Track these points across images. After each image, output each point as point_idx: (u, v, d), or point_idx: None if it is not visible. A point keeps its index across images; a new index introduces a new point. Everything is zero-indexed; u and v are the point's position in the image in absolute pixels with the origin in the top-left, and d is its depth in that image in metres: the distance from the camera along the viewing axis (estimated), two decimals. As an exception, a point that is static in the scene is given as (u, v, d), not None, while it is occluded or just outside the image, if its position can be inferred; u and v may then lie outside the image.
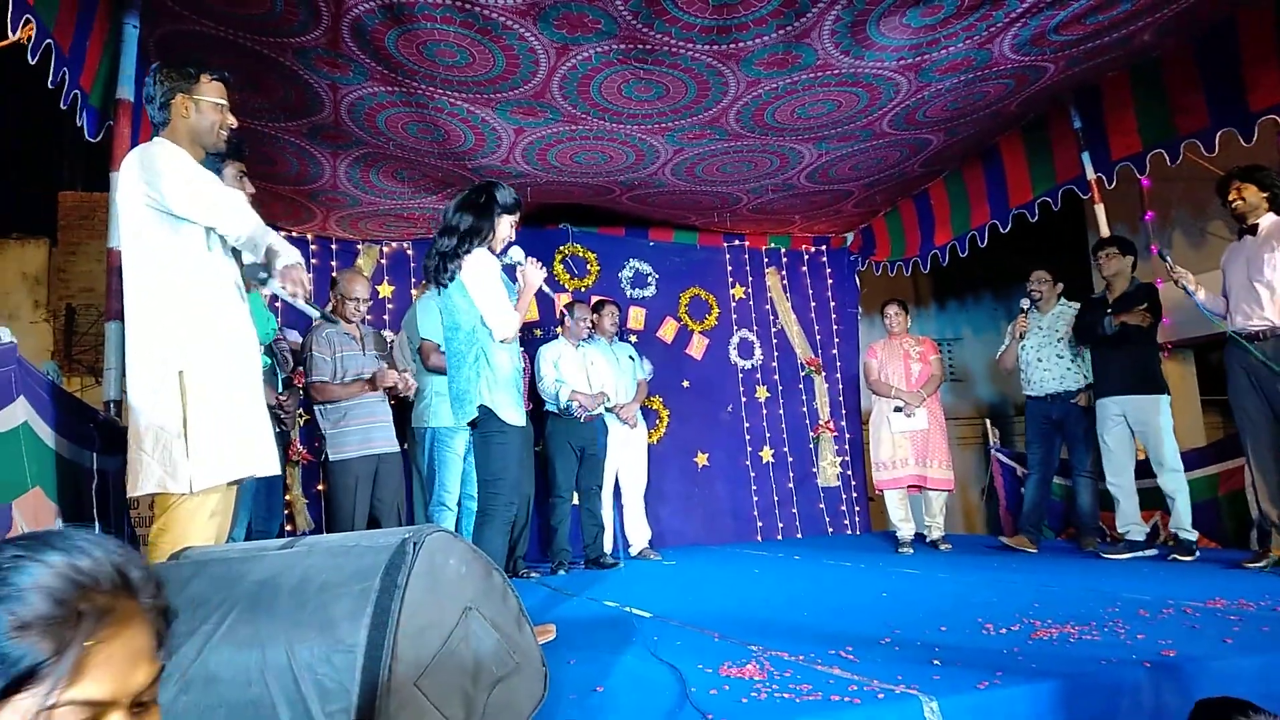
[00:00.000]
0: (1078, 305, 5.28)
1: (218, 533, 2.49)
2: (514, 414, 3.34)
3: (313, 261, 6.36)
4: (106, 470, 2.79)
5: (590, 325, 5.72)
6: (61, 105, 3.40)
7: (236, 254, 2.65)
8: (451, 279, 3.32)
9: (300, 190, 5.62)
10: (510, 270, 3.52)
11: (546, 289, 3.62)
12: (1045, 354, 5.23)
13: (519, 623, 1.99)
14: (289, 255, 2.59)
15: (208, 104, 2.58)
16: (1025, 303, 5.34)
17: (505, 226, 3.43)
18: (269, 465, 2.60)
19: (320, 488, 5.81)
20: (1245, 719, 1.32)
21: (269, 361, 3.83)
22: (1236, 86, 4.51)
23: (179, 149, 2.50)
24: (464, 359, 3.34)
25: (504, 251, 3.49)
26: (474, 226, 3.34)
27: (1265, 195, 4.11)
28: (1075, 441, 5.20)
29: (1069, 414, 5.17)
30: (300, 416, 5.27)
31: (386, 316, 6.40)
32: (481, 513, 3.26)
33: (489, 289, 3.30)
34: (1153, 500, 4.86)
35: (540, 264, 3.51)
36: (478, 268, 3.31)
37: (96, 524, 2.62)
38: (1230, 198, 4.19)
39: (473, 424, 3.36)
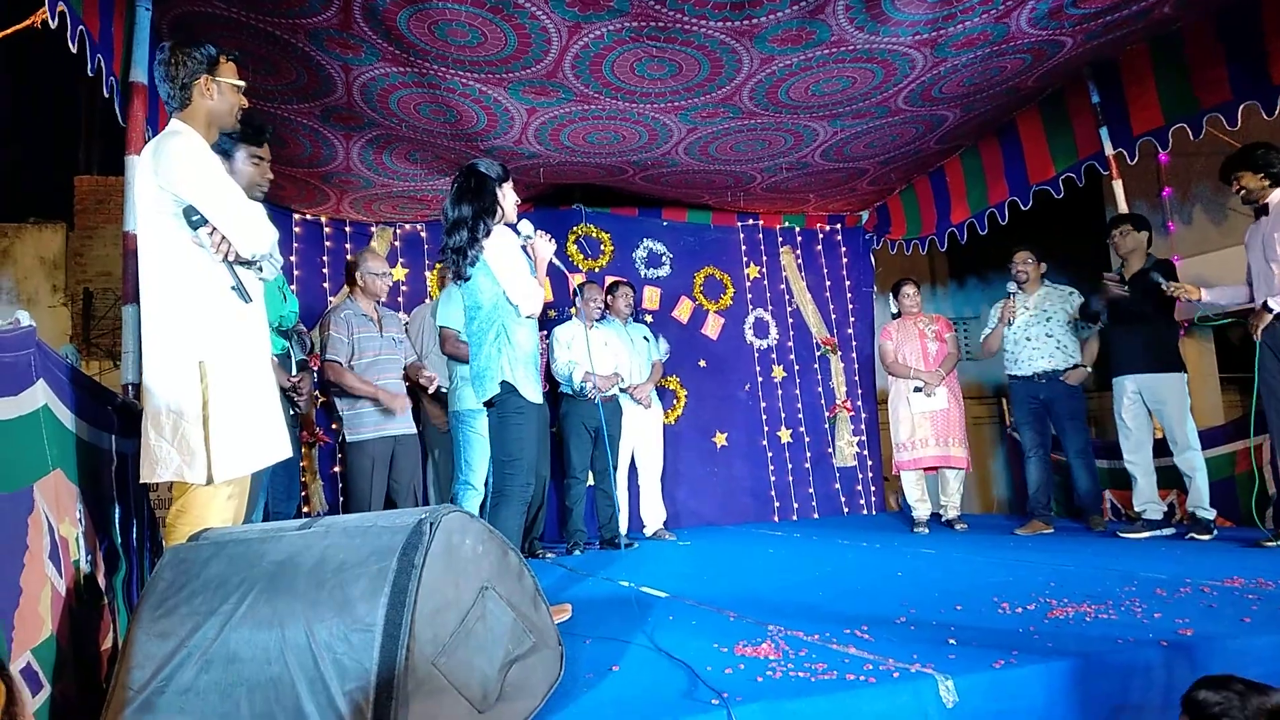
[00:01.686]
0: (1066, 288, 5.26)
1: (235, 514, 2.51)
2: (534, 391, 3.35)
3: (327, 244, 6.38)
4: (125, 453, 2.81)
5: (604, 306, 5.72)
6: (104, 94, 3.43)
7: None
8: (473, 265, 3.32)
9: (314, 173, 5.63)
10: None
11: (558, 263, 3.63)
12: (1034, 332, 5.21)
13: (535, 602, 2.00)
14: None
15: (228, 86, 2.61)
16: (1012, 285, 5.32)
17: (509, 196, 3.43)
18: (283, 449, 2.62)
19: (336, 469, 5.85)
20: (1239, 693, 1.32)
21: (284, 344, 3.84)
22: (1260, 59, 4.43)
23: (202, 141, 2.51)
24: (484, 336, 3.34)
25: (514, 226, 3.49)
26: (481, 209, 3.33)
27: (1261, 175, 4.05)
28: (1064, 420, 5.18)
29: (1056, 393, 5.16)
30: (317, 398, 5.30)
31: (401, 299, 6.42)
32: (498, 492, 3.26)
33: (513, 264, 3.31)
34: (1169, 479, 4.83)
35: (550, 236, 3.52)
36: (499, 245, 3.32)
37: (116, 506, 2.64)
38: (1234, 189, 4.16)
39: (489, 403, 3.36)
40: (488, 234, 3.31)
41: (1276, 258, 3.96)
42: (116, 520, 2.63)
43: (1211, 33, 4.59)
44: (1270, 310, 3.93)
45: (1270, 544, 3.98)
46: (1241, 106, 4.58)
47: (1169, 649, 2.19)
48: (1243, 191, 4.13)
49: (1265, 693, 1.30)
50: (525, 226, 3.50)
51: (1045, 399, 5.22)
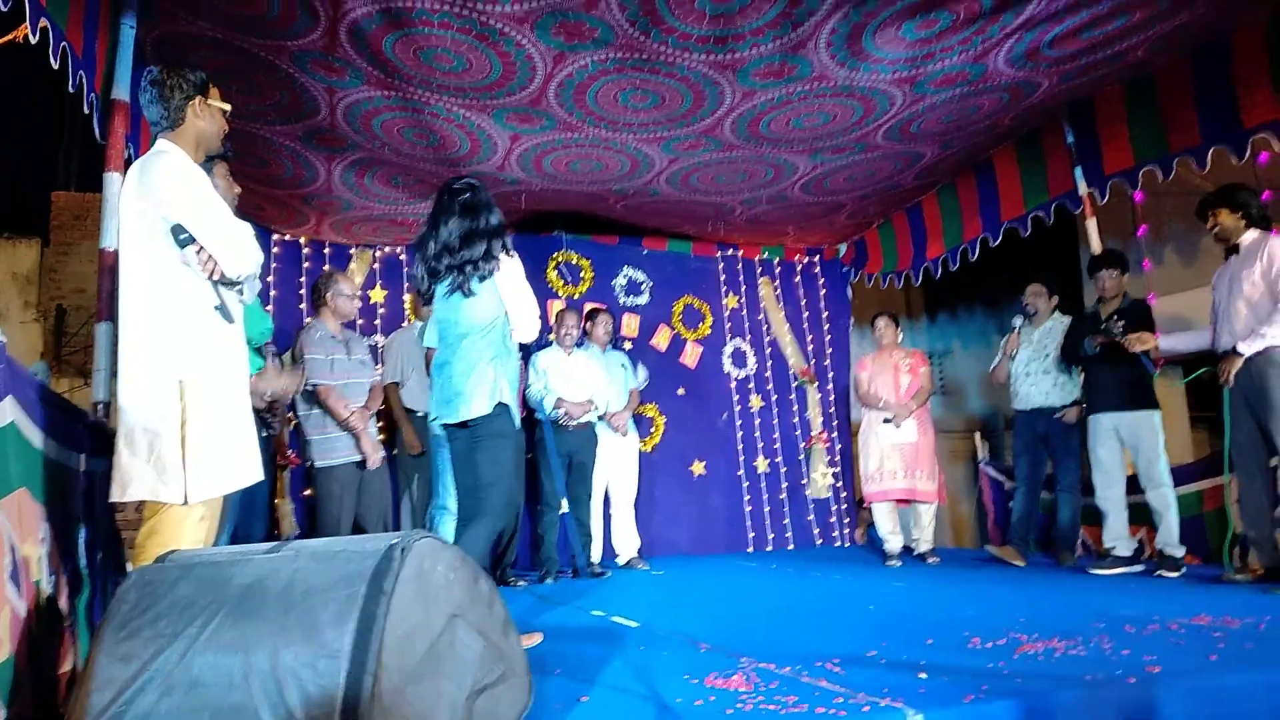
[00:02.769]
0: (1070, 319, 5.29)
1: (206, 536, 2.48)
2: (517, 416, 3.35)
3: (305, 265, 6.36)
4: (95, 472, 2.78)
5: (584, 332, 5.72)
6: (85, 110, 3.42)
7: None
8: (484, 279, 3.28)
9: (294, 193, 5.62)
10: None
11: None
12: (1033, 368, 5.26)
13: (505, 630, 1.98)
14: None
15: (218, 110, 2.66)
16: (1018, 320, 5.36)
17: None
18: (256, 473, 2.60)
19: (308, 492, 5.79)
20: None
21: (262, 362, 3.81)
22: (1230, 104, 4.53)
23: (190, 161, 2.52)
24: (479, 355, 3.28)
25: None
26: (500, 223, 3.37)
27: (1239, 215, 4.13)
28: (1060, 456, 5.22)
29: (1053, 429, 5.20)
30: (290, 419, 5.25)
31: (378, 321, 6.40)
32: (476, 516, 3.18)
33: (523, 288, 3.35)
34: (1139, 516, 4.87)
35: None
36: (516, 271, 3.35)
37: (83, 526, 2.60)
38: (1209, 225, 4.21)
39: (463, 425, 3.28)
40: (506, 250, 3.33)
41: (1244, 294, 4.02)
42: (82, 541, 2.59)
43: (1184, 77, 4.69)
44: (1239, 354, 3.98)
45: (1236, 577, 4.02)
46: (1211, 150, 4.67)
47: (1137, 686, 2.19)
48: (1217, 228, 4.18)
49: None
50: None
51: (1043, 433, 5.26)
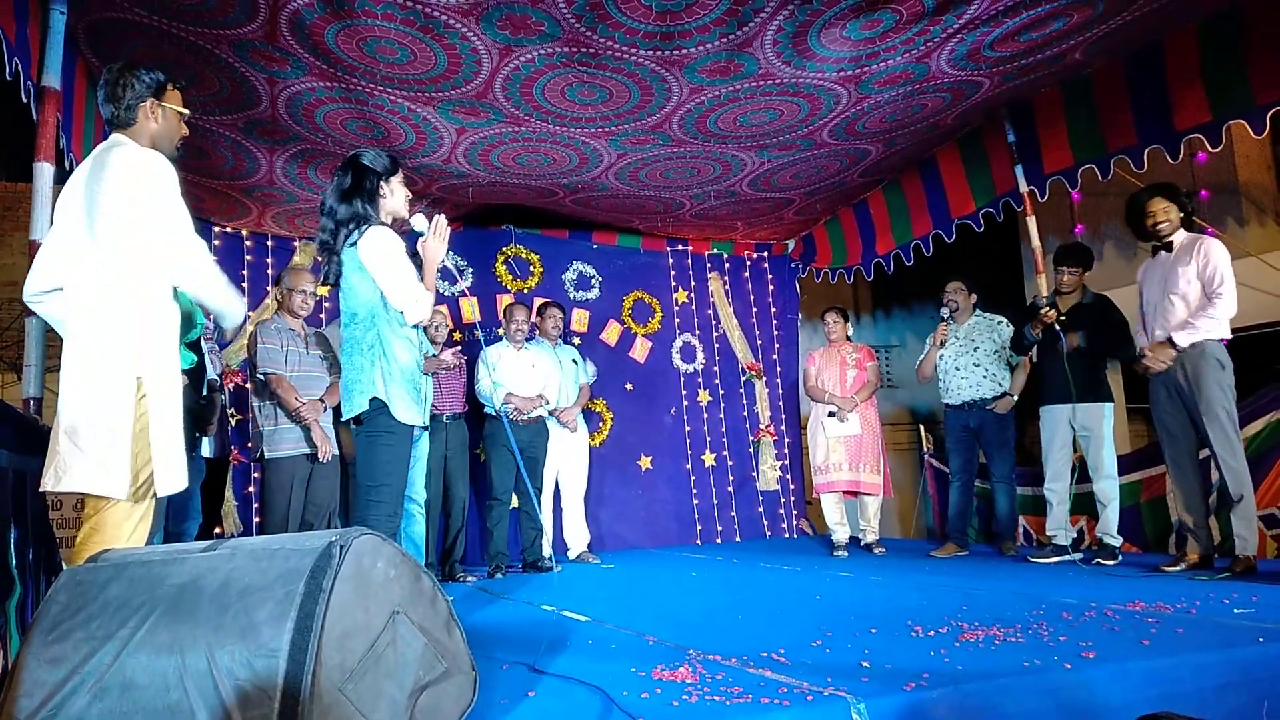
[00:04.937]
0: (996, 317, 5.40)
1: (145, 536, 2.43)
2: (409, 412, 3.07)
3: (248, 258, 6.24)
4: (24, 471, 2.70)
5: (533, 327, 5.69)
6: (22, 99, 3.31)
7: None
8: (339, 266, 3.10)
9: (235, 185, 5.51)
10: (413, 241, 3.24)
11: (450, 265, 3.36)
12: (963, 363, 5.35)
13: (449, 627, 1.97)
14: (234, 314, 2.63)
15: (173, 113, 2.59)
16: (945, 311, 5.44)
17: (398, 191, 3.21)
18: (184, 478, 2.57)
19: (249, 490, 5.69)
20: None
21: (194, 358, 3.72)
22: (1163, 106, 4.65)
23: (153, 156, 2.45)
24: (358, 346, 3.08)
25: (407, 224, 3.24)
26: (356, 204, 3.11)
27: (1179, 210, 4.22)
28: (992, 448, 5.33)
29: (985, 421, 5.30)
30: (232, 416, 5.15)
31: (323, 315, 6.30)
32: (359, 524, 2.92)
33: (394, 266, 3.02)
34: (1080, 505, 4.99)
35: (443, 230, 3.18)
36: (377, 242, 3.02)
37: (12, 525, 2.53)
38: (1158, 218, 4.21)
39: (357, 420, 3.10)
40: (360, 231, 3.05)
41: (1178, 290, 4.13)
42: (12, 541, 2.52)
43: (1119, 79, 4.81)
44: (1175, 346, 4.08)
45: (1170, 569, 4.13)
46: (1147, 150, 4.79)
47: (1072, 671, 2.25)
48: (1165, 223, 4.19)
49: None
50: (418, 222, 3.23)
51: (975, 427, 5.36)
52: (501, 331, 5.70)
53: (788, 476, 7.51)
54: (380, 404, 3.03)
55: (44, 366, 3.20)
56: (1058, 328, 4.66)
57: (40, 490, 2.38)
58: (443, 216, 3.19)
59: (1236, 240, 7.01)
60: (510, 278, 6.77)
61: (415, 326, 3.12)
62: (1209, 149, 4.65)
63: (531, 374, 5.51)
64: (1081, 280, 4.84)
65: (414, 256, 3.19)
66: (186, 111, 2.64)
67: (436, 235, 3.16)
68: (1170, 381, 4.15)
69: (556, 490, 5.93)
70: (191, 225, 2.48)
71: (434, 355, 4.94)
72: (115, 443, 2.29)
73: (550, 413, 5.65)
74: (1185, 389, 4.08)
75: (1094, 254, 5.05)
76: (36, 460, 2.86)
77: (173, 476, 2.40)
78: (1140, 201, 4.29)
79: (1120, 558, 4.57)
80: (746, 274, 7.80)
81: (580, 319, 6.99)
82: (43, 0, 3.46)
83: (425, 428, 3.32)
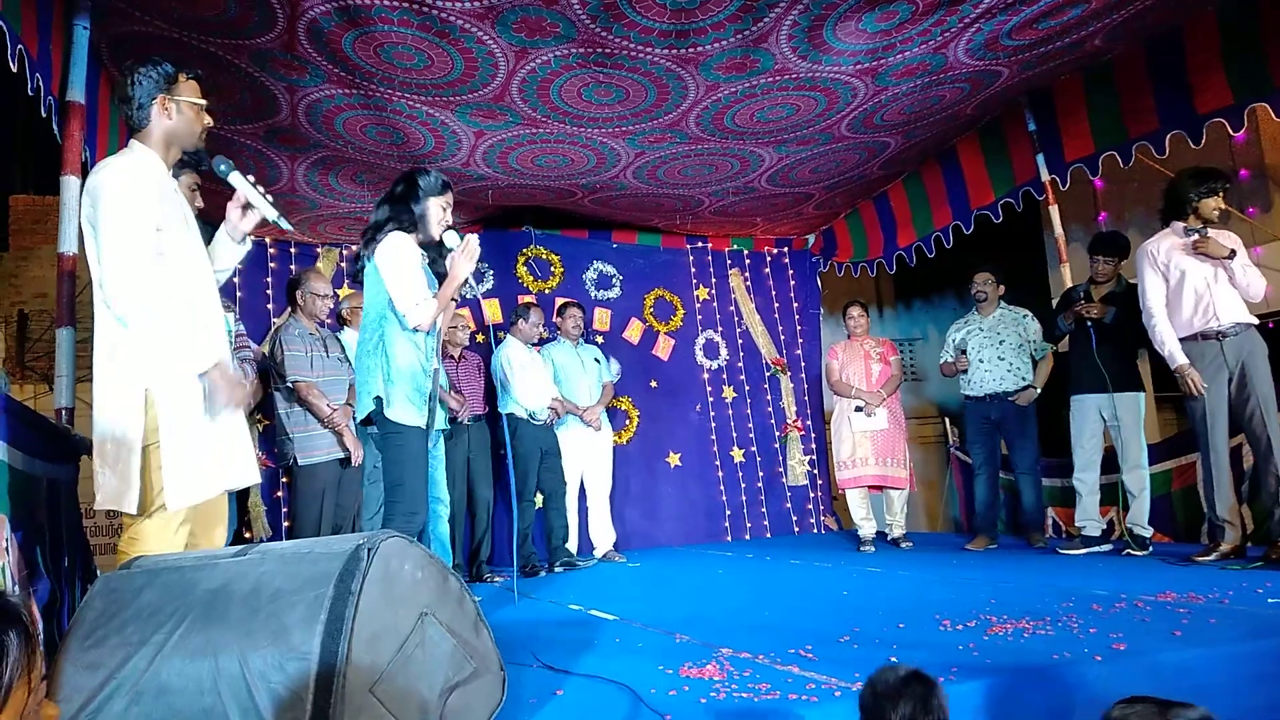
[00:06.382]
0: (1021, 310, 5.36)
1: (187, 543, 2.44)
2: (409, 413, 3.11)
3: (271, 265, 6.30)
4: (59, 480, 2.75)
5: (554, 327, 5.71)
6: (42, 113, 3.35)
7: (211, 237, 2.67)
8: (362, 268, 3.24)
9: (258, 194, 5.55)
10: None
11: (473, 284, 3.38)
12: (987, 355, 5.31)
13: (477, 627, 1.99)
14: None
15: (187, 104, 2.52)
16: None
17: (434, 211, 3.26)
18: (249, 475, 2.57)
19: (279, 494, 5.75)
20: (1152, 711, 1.35)
21: None
22: (1184, 90, 4.60)
23: (137, 168, 2.40)
24: (367, 347, 3.20)
25: (440, 241, 3.30)
26: (395, 213, 3.23)
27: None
28: (1014, 440, 5.30)
29: (1006, 413, 5.27)
30: (260, 422, 5.20)
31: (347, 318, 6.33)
32: (387, 521, 3.10)
33: (402, 271, 3.10)
34: (1109, 496, 4.94)
35: (473, 250, 3.17)
36: (392, 249, 3.13)
37: (48, 533, 2.57)
38: (1216, 201, 4.14)
39: (367, 420, 3.22)
40: (381, 236, 3.18)
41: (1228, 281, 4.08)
42: (48, 548, 2.56)
43: (1140, 64, 4.75)
44: (1226, 335, 4.03)
45: (1201, 559, 4.08)
46: (1169, 135, 4.73)
47: (1103, 663, 2.24)
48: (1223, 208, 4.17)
49: (1182, 709, 1.33)
50: (450, 238, 3.26)
51: (996, 419, 5.32)
52: (512, 325, 5.68)
53: (815, 471, 7.48)
54: (380, 403, 3.14)
55: (75, 377, 3.24)
56: (1089, 322, 4.62)
57: (95, 508, 2.41)
58: (474, 236, 3.21)
59: (1263, 224, 6.92)
60: (531, 279, 6.79)
61: (416, 331, 3.16)
62: (1230, 132, 4.59)
63: (545, 375, 5.54)
64: (1117, 270, 4.78)
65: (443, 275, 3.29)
66: (203, 102, 2.55)
67: (465, 254, 3.17)
68: (1217, 365, 4.09)
69: (582, 489, 5.94)
70: (143, 244, 2.32)
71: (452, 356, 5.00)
72: (124, 457, 2.29)
73: (571, 411, 5.67)
74: (1234, 374, 4.04)
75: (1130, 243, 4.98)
76: (69, 469, 2.92)
77: (188, 489, 2.34)
78: (1216, 180, 4.19)
79: (1151, 548, 4.52)
80: (767, 269, 7.77)
81: (602, 318, 7.00)
82: (66, 16, 3.52)
83: (441, 430, 3.39)
